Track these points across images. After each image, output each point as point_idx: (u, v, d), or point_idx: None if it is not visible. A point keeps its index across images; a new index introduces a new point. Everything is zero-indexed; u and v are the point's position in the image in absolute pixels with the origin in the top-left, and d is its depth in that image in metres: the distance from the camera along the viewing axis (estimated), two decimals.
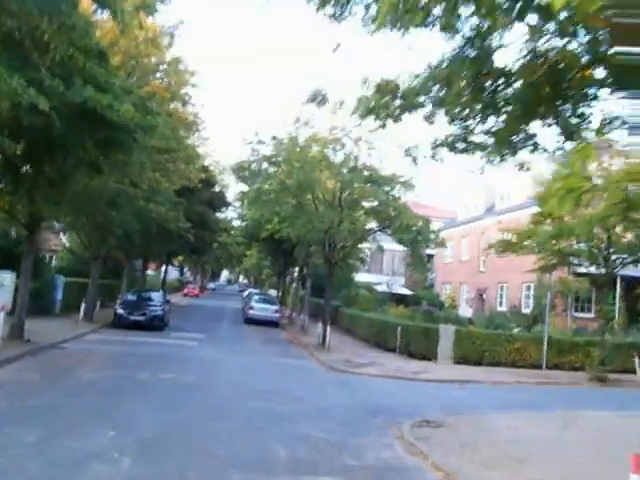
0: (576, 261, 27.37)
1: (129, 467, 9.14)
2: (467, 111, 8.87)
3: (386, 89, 8.48)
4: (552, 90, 7.87)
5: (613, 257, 25.21)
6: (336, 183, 29.62)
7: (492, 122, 9.19)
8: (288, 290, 64.03)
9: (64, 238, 51.13)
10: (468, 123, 9.24)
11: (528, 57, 7.83)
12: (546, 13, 6.80)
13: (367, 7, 7.96)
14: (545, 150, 9.48)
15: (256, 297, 47.54)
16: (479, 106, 8.63)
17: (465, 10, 7.44)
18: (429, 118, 9.18)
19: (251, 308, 43.78)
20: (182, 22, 27.57)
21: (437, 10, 7.41)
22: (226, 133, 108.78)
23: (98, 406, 13.28)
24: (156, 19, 24.81)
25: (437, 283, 57.66)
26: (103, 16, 19.50)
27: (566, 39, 7.55)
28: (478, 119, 9.04)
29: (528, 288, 39.75)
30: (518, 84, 8.10)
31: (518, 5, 6.97)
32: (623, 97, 6.81)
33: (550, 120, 8.63)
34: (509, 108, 8.47)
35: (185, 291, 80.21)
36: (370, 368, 24.14)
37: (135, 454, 9.77)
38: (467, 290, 50.72)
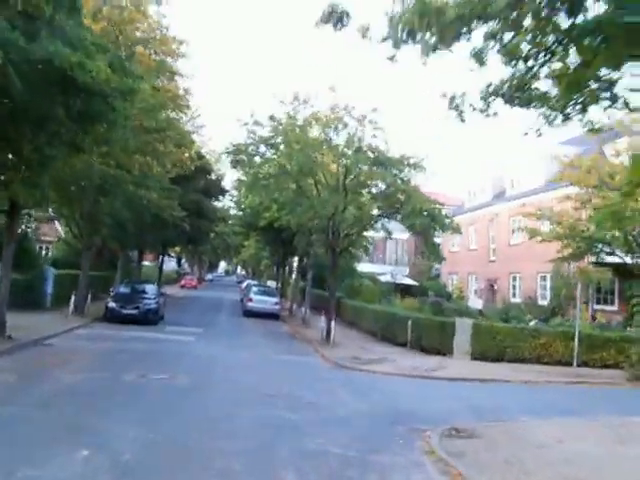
0: (607, 249, 25.39)
1: None
2: (532, 46, 6.85)
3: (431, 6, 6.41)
4: None
5: None
6: (339, 166, 27.54)
7: (559, 65, 7.20)
8: (288, 281, 62.28)
9: (60, 228, 49.51)
10: (530, 64, 7.22)
11: None
12: None
13: None
14: (627, 106, 7.44)
15: (255, 289, 45.87)
16: (551, 38, 6.63)
17: None
18: (479, 56, 7.12)
19: (250, 300, 42.24)
20: None
21: None
22: (222, 120, 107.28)
23: (73, 418, 11.33)
24: None
25: (443, 273, 55.59)
26: None
27: None
28: (545, 58, 7.02)
29: (544, 278, 37.72)
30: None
31: None
32: None
33: None
34: (592, 40, 6.43)
35: (182, 282, 78.84)
36: (381, 365, 22.21)
37: None
38: (476, 280, 48.77)
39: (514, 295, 41.60)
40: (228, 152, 27.35)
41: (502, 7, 6.09)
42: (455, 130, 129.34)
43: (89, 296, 30.80)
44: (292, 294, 51.56)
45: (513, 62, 7.22)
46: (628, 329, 27.18)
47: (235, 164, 28.04)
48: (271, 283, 68.97)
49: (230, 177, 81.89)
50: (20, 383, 14.27)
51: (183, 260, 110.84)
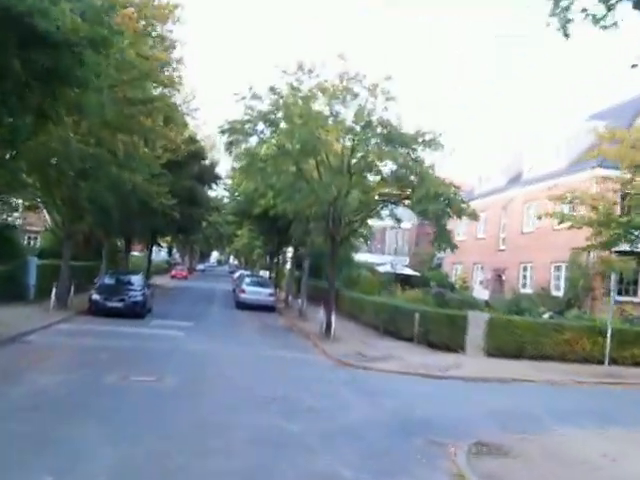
0: None
1: None
2: None
3: None
4: None
5: None
6: (344, 145, 25.66)
7: None
8: (282, 271, 60.76)
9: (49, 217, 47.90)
10: None
11: None
12: None
13: None
14: None
15: (248, 279, 44.28)
16: None
17: None
18: None
19: (243, 291, 40.65)
20: None
21: None
22: (219, 103, 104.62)
23: (39, 431, 9.83)
24: None
25: (446, 263, 54.04)
26: None
27: None
28: None
29: (558, 268, 36.20)
30: None
31: None
32: None
33: None
34: None
35: (172, 273, 77.48)
36: (388, 363, 20.65)
37: None
38: (482, 270, 47.21)
39: (524, 286, 40.12)
40: (222, 131, 25.40)
41: None
42: (466, 113, 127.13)
43: (72, 288, 29.27)
44: (287, 285, 50.04)
45: None
46: None
47: (229, 146, 25.99)
48: (264, 273, 68.04)
49: (225, 166, 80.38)
50: None
51: (174, 250, 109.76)
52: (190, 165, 47.10)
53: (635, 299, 32.50)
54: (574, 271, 33.54)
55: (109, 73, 15.56)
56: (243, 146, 26.45)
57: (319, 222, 31.02)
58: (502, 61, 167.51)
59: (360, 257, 52.36)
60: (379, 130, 24.33)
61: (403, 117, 25.24)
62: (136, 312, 27.44)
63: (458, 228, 48.34)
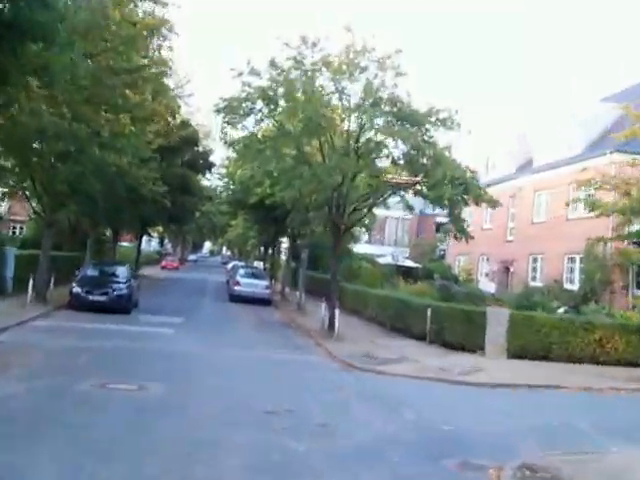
0: None
1: None
2: None
3: None
4: None
5: None
6: (350, 125, 23.54)
7: None
8: (278, 262, 58.92)
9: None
10: None
11: None
12: None
13: None
14: None
15: (242, 271, 42.48)
16: None
17: None
18: None
19: (237, 284, 38.86)
20: None
21: None
22: (214, 87, 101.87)
23: None
24: None
25: (450, 254, 52.24)
26: None
27: None
28: None
29: (571, 260, 34.34)
30: None
31: None
32: None
33: None
34: None
35: (163, 264, 75.67)
36: (401, 365, 18.73)
37: None
38: (488, 262, 45.35)
39: (534, 279, 38.23)
40: (218, 110, 23.26)
41: None
42: (471, 96, 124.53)
43: (52, 280, 27.35)
44: (283, 276, 48.27)
45: None
46: None
47: (225, 127, 23.82)
48: (258, 264, 66.81)
49: (219, 154, 78.69)
50: None
51: (166, 240, 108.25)
52: (182, 151, 45.35)
53: None
54: (590, 263, 31.63)
55: (81, 18, 13.37)
56: (240, 126, 24.39)
57: (319, 211, 29.24)
58: (507, 42, 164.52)
59: (358, 248, 50.75)
60: (389, 107, 22.25)
61: (414, 95, 23.17)
62: (121, 306, 25.48)
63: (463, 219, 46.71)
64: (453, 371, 18.16)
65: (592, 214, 23.58)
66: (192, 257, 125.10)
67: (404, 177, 24.49)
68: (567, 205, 26.72)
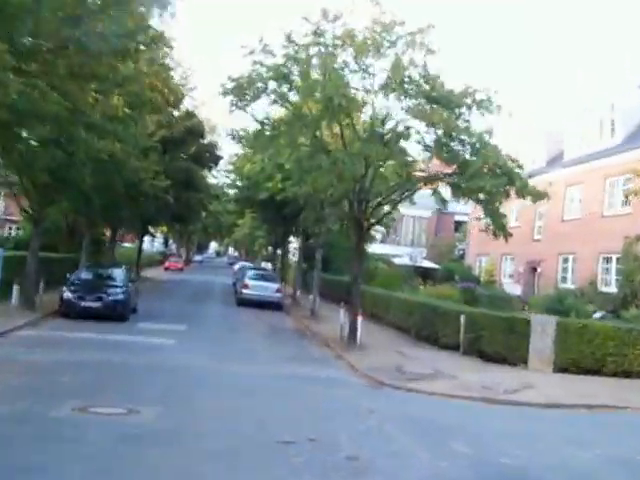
0: None
1: None
2: None
3: None
4: None
5: None
6: (374, 108, 21.08)
7: None
8: (288, 263, 57.03)
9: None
10: None
11: None
12: None
13: None
14: None
15: (251, 273, 40.25)
16: None
17: None
18: None
19: (246, 286, 36.68)
20: None
21: None
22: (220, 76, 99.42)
23: None
24: None
25: (470, 255, 50.00)
26: None
27: None
28: None
29: (607, 260, 32.06)
30: None
31: None
32: None
33: None
34: None
35: (166, 265, 73.57)
36: (438, 382, 16.46)
37: None
38: (512, 262, 43.05)
39: (564, 280, 36.01)
40: (225, 91, 20.81)
41: None
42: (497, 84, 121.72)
43: (42, 283, 25.31)
44: (294, 278, 46.08)
45: None
46: None
47: (233, 109, 21.38)
48: (265, 265, 65.76)
49: (227, 150, 77.06)
50: None
51: (170, 241, 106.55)
52: (187, 143, 43.23)
53: None
54: (629, 263, 29.35)
55: None
56: (249, 110, 22.02)
57: (336, 207, 26.97)
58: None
59: (373, 248, 48.58)
60: (420, 88, 19.78)
61: (444, 76, 20.70)
62: (117, 313, 23.37)
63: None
64: (498, 389, 15.90)
65: (630, 210, 21.56)
66: (197, 258, 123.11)
67: (434, 167, 22.18)
68: (626, 197, 24.45)
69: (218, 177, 62.90)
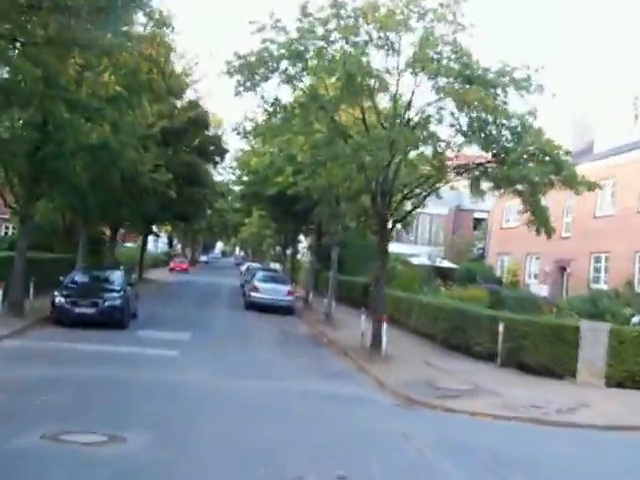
0: None
1: None
2: None
3: None
4: None
5: None
6: (399, 88, 19.10)
7: None
8: (298, 264, 55.32)
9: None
10: None
11: None
12: None
13: None
14: None
15: (261, 274, 38.27)
16: None
17: None
18: None
19: (255, 289, 34.87)
20: None
21: None
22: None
23: None
24: None
25: (491, 254, 48.16)
26: None
27: None
28: None
29: None
30: None
31: None
32: None
33: None
34: None
35: (171, 265, 72.09)
36: (478, 400, 14.57)
37: None
38: (537, 262, 41.15)
39: (596, 280, 34.12)
40: (231, 70, 18.77)
41: None
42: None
43: (31, 287, 23.63)
44: (305, 280, 44.27)
45: None
46: None
47: (239, 91, 19.36)
48: (274, 265, 64.00)
49: (233, 145, 75.90)
50: None
51: (175, 241, 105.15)
52: (190, 135, 41.30)
53: None
54: None
55: None
56: (257, 97, 20.05)
57: (354, 202, 25.24)
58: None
59: (390, 248, 46.94)
60: (452, 64, 17.78)
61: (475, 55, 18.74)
62: (114, 320, 21.54)
63: (505, 213, 43.88)
64: (549, 408, 14.04)
65: None
66: (203, 258, 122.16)
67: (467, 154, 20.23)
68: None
69: (223, 174, 61.80)
